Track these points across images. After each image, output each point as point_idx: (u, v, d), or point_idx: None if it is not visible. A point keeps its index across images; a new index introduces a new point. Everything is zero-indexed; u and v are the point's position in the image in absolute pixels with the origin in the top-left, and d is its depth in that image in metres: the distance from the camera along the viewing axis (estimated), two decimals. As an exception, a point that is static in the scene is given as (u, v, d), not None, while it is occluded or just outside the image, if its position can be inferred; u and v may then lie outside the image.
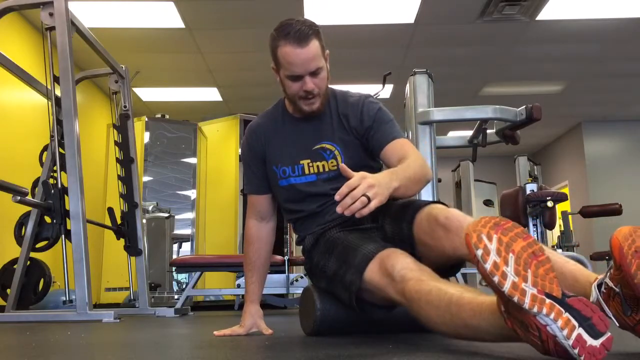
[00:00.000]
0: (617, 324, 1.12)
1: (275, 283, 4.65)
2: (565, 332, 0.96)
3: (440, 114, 3.51)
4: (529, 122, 3.41)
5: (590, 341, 0.96)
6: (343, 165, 1.48)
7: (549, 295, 0.99)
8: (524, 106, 3.42)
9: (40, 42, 4.40)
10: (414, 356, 1.16)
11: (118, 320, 2.95)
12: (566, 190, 9.61)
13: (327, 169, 1.80)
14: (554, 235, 6.17)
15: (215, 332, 1.85)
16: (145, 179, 6.21)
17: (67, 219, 3.24)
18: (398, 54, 6.29)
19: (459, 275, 4.87)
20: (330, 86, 1.85)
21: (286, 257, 4.62)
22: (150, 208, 6.07)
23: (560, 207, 5.51)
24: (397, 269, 1.41)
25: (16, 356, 1.38)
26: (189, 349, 1.53)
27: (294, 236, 6.75)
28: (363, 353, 1.24)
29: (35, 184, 3.85)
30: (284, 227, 5.82)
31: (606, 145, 9.18)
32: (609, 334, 0.99)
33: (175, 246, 6.39)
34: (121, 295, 5.69)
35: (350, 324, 1.69)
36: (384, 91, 4.88)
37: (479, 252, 1.01)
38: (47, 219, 3.41)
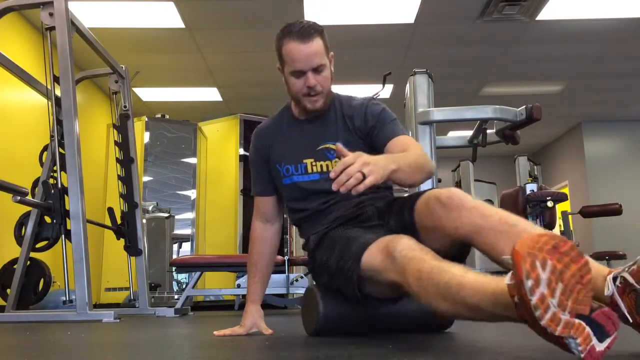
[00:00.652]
0: (630, 320, 1.11)
1: (275, 283, 4.65)
2: (581, 347, 0.95)
3: (440, 114, 3.52)
4: (529, 122, 3.42)
5: (598, 346, 0.96)
6: (339, 145, 1.47)
7: (578, 316, 0.96)
8: (524, 106, 3.42)
9: (40, 42, 4.40)
10: (414, 356, 1.16)
11: (118, 320, 2.95)
12: (566, 190, 9.62)
13: (330, 169, 1.80)
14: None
15: (215, 332, 1.85)
16: (145, 179, 6.21)
17: (67, 219, 3.24)
18: (398, 54, 6.29)
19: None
20: (334, 91, 1.87)
21: (286, 257, 4.62)
22: (150, 208, 6.07)
23: (560, 207, 5.51)
24: (398, 249, 1.39)
25: (16, 356, 1.38)
26: (189, 349, 1.53)
27: (294, 236, 6.76)
28: (363, 353, 1.24)
29: (35, 184, 3.85)
30: (284, 227, 5.82)
31: (606, 145, 9.18)
32: (614, 334, 0.99)
33: (175, 246, 6.39)
34: (121, 295, 5.69)
35: (353, 324, 1.69)
36: (384, 91, 4.88)
37: (529, 284, 0.93)
38: (47, 219, 3.41)
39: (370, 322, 1.69)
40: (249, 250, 1.96)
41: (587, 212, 5.01)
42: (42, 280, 3.71)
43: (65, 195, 3.25)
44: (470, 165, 6.66)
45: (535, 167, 5.98)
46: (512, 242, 1.01)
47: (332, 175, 1.37)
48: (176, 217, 6.34)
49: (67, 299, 3.26)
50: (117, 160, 4.35)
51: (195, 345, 1.62)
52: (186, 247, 6.50)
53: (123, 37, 5.75)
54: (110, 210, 4.19)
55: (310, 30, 1.71)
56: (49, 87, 3.45)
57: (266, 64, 6.14)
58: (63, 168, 3.29)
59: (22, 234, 3.67)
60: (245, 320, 1.87)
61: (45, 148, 3.98)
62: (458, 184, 6.93)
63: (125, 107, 4.37)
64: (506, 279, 1.01)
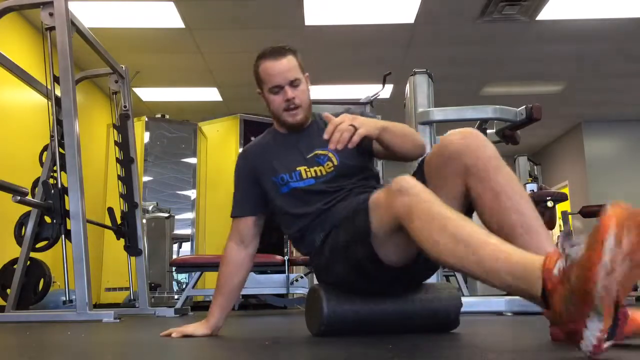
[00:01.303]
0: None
1: (275, 283, 4.64)
2: (595, 342, 0.93)
3: (440, 114, 3.51)
4: (529, 122, 3.41)
5: (606, 344, 0.95)
6: (327, 113, 1.53)
7: (616, 306, 0.93)
8: (524, 106, 3.42)
9: (40, 42, 4.40)
10: (414, 356, 1.16)
11: (118, 320, 2.95)
12: (566, 190, 9.61)
13: (324, 173, 1.80)
14: (554, 235, 6.17)
15: (162, 333, 1.84)
16: (145, 179, 6.22)
17: (67, 219, 3.24)
18: (398, 54, 6.29)
19: (459, 276, 4.87)
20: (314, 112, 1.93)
21: (286, 257, 4.62)
22: (150, 208, 6.08)
23: (560, 207, 5.52)
24: (410, 184, 1.33)
25: (16, 356, 1.37)
26: (189, 349, 1.53)
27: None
28: (363, 353, 1.24)
29: (35, 184, 3.85)
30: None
31: (606, 145, 9.18)
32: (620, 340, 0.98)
33: (175, 246, 6.40)
34: (121, 295, 5.69)
35: (358, 324, 1.69)
36: (384, 91, 4.89)
37: (610, 243, 0.88)
38: (47, 219, 3.41)
39: (375, 322, 1.69)
40: (219, 270, 1.91)
41: (587, 212, 5.01)
42: (42, 280, 3.71)
43: (65, 195, 3.25)
44: (470, 165, 6.64)
45: (535, 167, 5.98)
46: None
47: (325, 136, 1.45)
48: (176, 217, 6.34)
49: (67, 299, 3.26)
50: (117, 160, 4.35)
51: (195, 345, 1.62)
52: (186, 247, 6.50)
53: (123, 37, 5.75)
54: (110, 210, 4.19)
55: (283, 49, 1.81)
56: (49, 87, 3.45)
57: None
58: (63, 168, 3.29)
59: (22, 234, 3.67)
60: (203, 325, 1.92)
61: (45, 148, 3.98)
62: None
63: (125, 107, 4.37)
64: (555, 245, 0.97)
